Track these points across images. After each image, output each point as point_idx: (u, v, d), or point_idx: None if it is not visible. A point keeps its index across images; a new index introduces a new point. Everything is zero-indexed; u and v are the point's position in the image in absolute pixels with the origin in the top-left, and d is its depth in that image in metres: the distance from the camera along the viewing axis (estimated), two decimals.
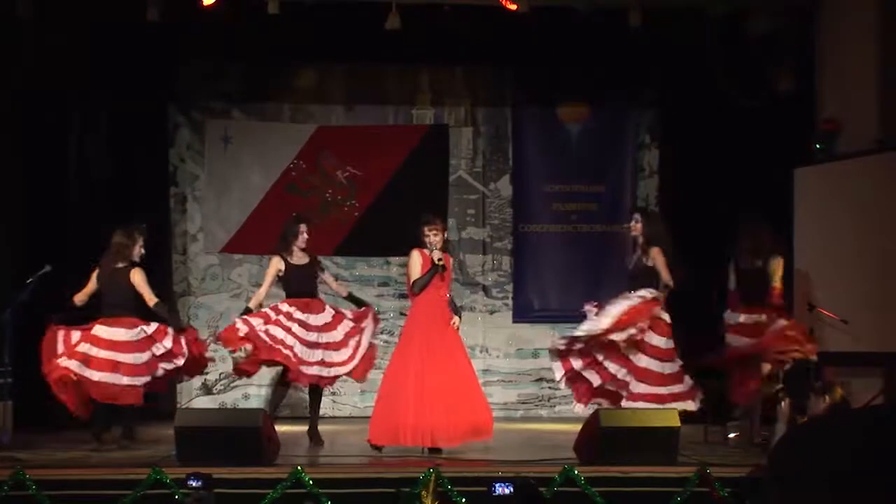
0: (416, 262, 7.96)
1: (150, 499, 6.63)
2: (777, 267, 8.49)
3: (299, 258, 8.59)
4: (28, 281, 8.56)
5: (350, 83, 11.40)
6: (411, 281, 8.00)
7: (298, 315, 8.42)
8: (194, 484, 6.34)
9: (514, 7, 9.31)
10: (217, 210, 11.25)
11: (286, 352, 8.26)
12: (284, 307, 8.47)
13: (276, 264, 8.59)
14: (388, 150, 11.29)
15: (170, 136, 11.16)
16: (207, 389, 11.06)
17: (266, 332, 8.29)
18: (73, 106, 10.09)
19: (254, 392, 11.04)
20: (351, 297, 8.82)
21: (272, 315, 8.39)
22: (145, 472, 6.68)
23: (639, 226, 8.53)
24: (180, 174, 11.23)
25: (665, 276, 8.41)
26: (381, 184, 11.23)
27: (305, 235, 8.58)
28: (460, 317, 8.10)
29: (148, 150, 10.75)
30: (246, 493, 6.62)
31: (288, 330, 8.34)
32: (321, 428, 8.68)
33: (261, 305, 8.58)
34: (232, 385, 11.13)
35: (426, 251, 7.97)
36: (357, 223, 11.23)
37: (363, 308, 8.69)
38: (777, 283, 8.44)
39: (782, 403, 8.13)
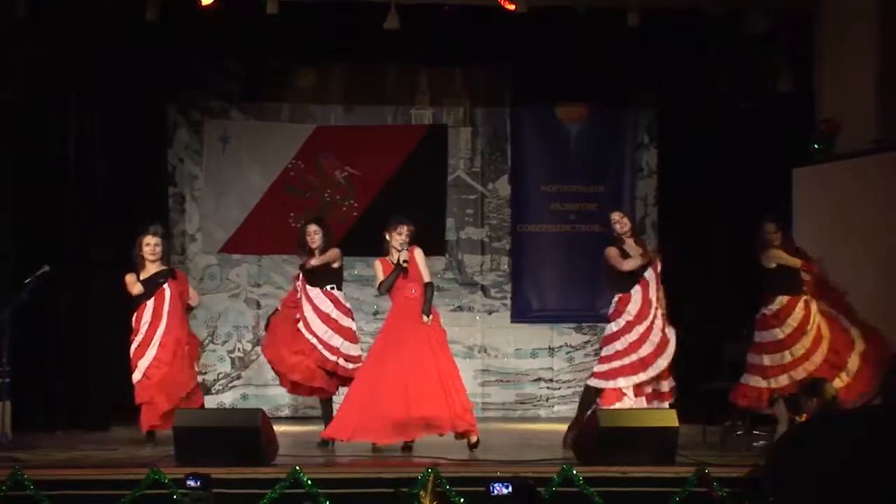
0: (379, 271, 8.25)
1: (149, 499, 6.64)
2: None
3: (316, 261, 8.59)
4: (27, 281, 8.56)
5: (349, 83, 11.39)
6: (377, 285, 8.27)
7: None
8: (193, 484, 6.34)
9: (512, 7, 9.31)
10: (216, 210, 11.25)
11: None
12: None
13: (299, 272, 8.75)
14: (387, 150, 11.29)
15: (168, 135, 11.15)
16: (206, 389, 11.05)
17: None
18: (72, 106, 10.07)
19: (252, 392, 11.05)
20: None
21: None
22: (144, 473, 6.68)
23: (626, 220, 8.53)
24: (179, 174, 11.23)
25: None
26: (379, 184, 11.23)
27: (314, 236, 8.57)
28: (428, 312, 8.09)
29: (146, 150, 10.74)
30: (244, 494, 6.63)
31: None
32: (319, 428, 8.67)
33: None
34: (230, 385, 11.13)
35: (388, 259, 8.19)
36: (356, 223, 11.21)
37: None
38: (798, 261, 8.40)
39: (779, 402, 8.14)
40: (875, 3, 9.38)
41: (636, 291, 8.32)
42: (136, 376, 8.37)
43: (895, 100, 9.19)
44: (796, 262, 8.33)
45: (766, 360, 8.22)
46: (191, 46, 10.53)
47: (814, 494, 6.27)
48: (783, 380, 8.11)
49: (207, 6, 9.28)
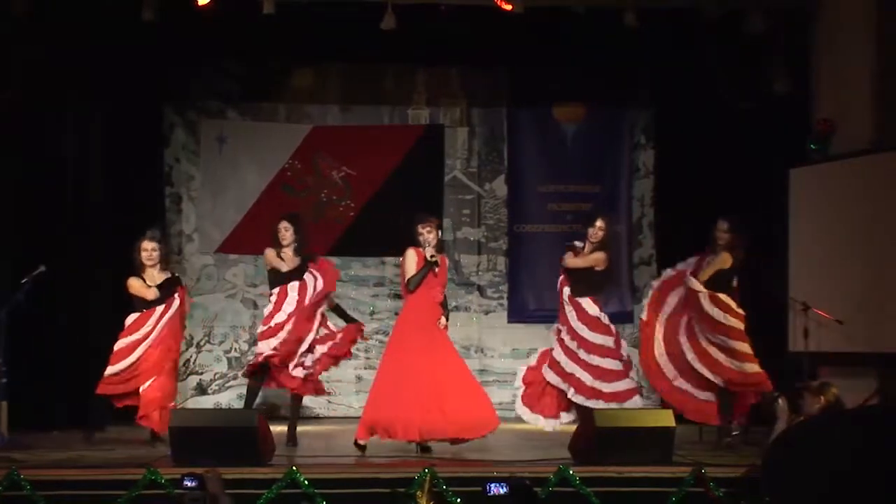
0: (412, 260, 8.03)
1: (146, 499, 6.63)
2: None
3: (290, 261, 8.48)
4: (23, 281, 8.55)
5: (345, 83, 11.40)
6: (406, 278, 8.03)
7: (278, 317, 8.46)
8: (190, 484, 6.33)
9: (509, 7, 9.31)
10: (212, 210, 11.25)
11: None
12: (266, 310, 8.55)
13: (270, 261, 8.52)
14: (384, 151, 11.29)
15: (165, 136, 11.16)
16: (202, 390, 11.06)
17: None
18: (69, 106, 10.08)
19: None
20: (338, 310, 8.74)
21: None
22: (140, 473, 6.67)
23: (601, 234, 8.62)
24: (175, 174, 11.23)
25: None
26: (376, 184, 11.23)
27: (287, 234, 8.48)
28: (447, 317, 8.09)
29: (143, 150, 10.74)
30: (241, 494, 6.62)
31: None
32: (316, 428, 8.67)
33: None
34: (227, 385, 11.13)
35: (421, 250, 8.01)
36: (352, 223, 11.23)
37: (349, 324, 8.60)
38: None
39: (780, 401, 8.13)
40: (871, 3, 9.39)
41: None
42: (109, 371, 8.42)
43: (891, 100, 9.20)
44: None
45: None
46: (187, 47, 10.51)
47: (810, 495, 6.28)
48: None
49: (204, 6, 9.27)
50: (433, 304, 8.02)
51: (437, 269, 8.01)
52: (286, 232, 8.49)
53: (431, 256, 7.96)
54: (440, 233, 8.14)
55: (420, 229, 8.02)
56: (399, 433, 7.72)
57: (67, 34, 9.73)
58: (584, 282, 8.69)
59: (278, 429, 8.24)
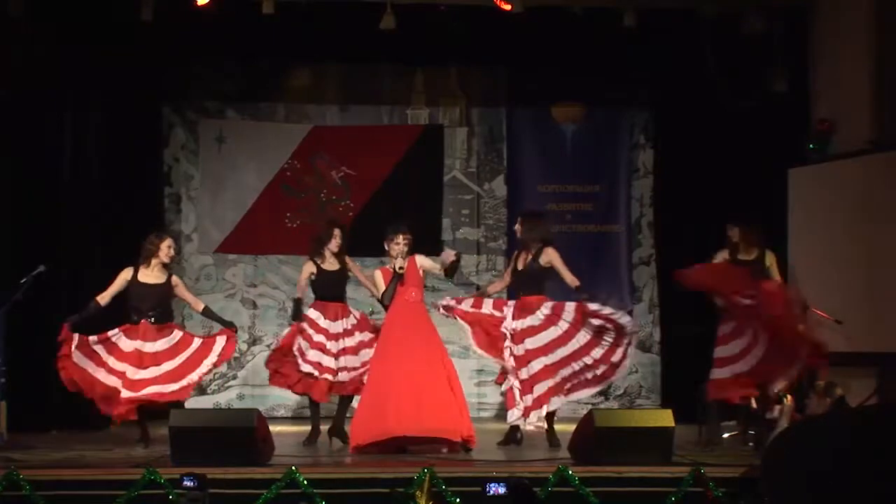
0: (380, 280, 8.31)
1: (145, 499, 6.63)
2: (773, 262, 8.48)
3: (331, 263, 8.62)
4: (22, 281, 8.55)
5: (345, 83, 11.40)
6: (379, 296, 8.34)
7: (322, 323, 8.51)
8: (189, 484, 6.33)
9: (508, 7, 9.32)
10: (211, 210, 11.25)
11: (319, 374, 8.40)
12: (311, 313, 8.56)
13: (309, 268, 8.63)
14: (383, 151, 11.30)
15: (164, 135, 11.16)
16: (202, 390, 11.04)
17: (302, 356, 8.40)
18: (67, 106, 10.07)
19: (248, 392, 11.04)
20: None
21: (305, 328, 8.48)
22: (139, 473, 6.68)
23: (519, 227, 8.53)
24: (174, 174, 11.23)
25: (569, 276, 8.41)
26: (375, 184, 11.24)
27: (339, 240, 8.62)
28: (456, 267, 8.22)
29: (142, 150, 10.74)
30: (240, 494, 6.63)
31: (316, 346, 8.43)
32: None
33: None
34: (226, 385, 11.13)
35: (387, 268, 8.23)
36: (352, 223, 11.20)
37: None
38: (778, 277, 8.44)
39: (786, 399, 8.13)
40: (870, 3, 9.39)
41: None
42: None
43: (891, 100, 9.21)
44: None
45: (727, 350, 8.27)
46: (186, 46, 10.52)
47: (808, 495, 6.28)
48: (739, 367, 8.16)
49: (203, 6, 9.28)
50: (410, 306, 8.15)
51: (403, 280, 8.15)
52: (338, 239, 8.63)
53: (399, 268, 8.11)
54: (411, 243, 8.23)
55: (391, 241, 8.18)
56: (384, 447, 7.80)
57: (66, 34, 9.73)
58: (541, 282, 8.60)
59: (278, 429, 8.25)
